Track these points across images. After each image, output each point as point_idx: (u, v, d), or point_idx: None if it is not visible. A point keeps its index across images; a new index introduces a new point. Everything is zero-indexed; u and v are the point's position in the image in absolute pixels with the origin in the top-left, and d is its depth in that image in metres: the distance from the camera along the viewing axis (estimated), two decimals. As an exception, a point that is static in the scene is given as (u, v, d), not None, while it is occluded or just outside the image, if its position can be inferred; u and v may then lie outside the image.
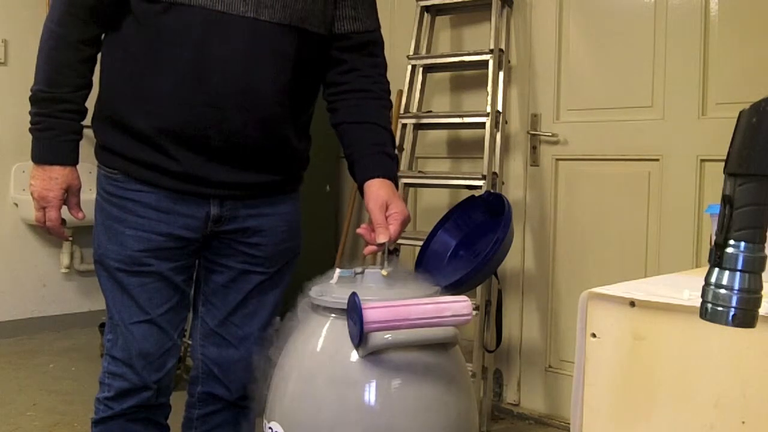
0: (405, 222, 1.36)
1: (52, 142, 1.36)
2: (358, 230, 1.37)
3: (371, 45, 1.49)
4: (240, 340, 1.50)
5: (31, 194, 1.39)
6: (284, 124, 1.40)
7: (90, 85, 1.39)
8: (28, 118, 1.37)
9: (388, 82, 1.53)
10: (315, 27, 1.39)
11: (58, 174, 1.36)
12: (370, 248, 1.34)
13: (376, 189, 1.37)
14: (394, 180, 1.42)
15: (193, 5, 1.29)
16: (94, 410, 1.45)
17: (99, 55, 1.41)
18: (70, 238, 1.48)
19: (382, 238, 1.31)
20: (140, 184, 1.37)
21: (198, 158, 1.35)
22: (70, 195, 1.39)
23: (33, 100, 1.36)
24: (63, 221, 1.40)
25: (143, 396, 1.42)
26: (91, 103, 1.41)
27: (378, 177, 1.38)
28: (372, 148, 1.42)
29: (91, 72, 1.39)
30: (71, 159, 1.38)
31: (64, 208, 1.40)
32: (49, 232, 1.41)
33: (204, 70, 1.31)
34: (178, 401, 1.55)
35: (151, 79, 1.33)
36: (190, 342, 1.64)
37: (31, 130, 1.37)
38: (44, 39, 1.35)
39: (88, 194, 1.42)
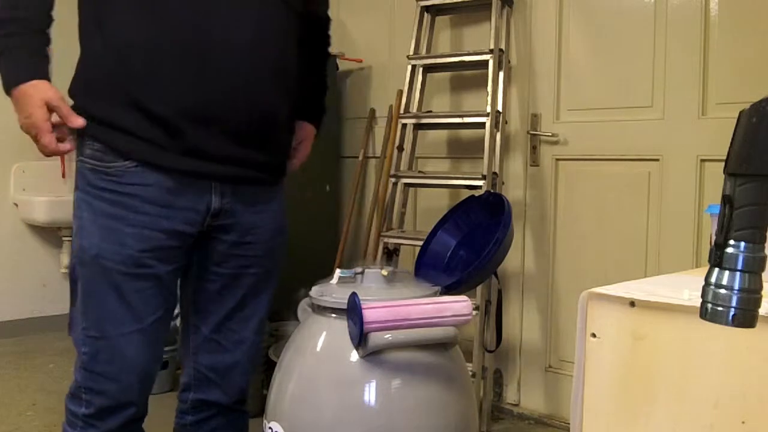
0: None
1: (17, 62, 1.27)
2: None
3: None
4: (236, 344, 1.48)
5: (21, 129, 1.29)
6: (284, 103, 1.42)
7: (51, 18, 1.32)
8: None
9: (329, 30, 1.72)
10: (300, 6, 1.44)
11: (30, 91, 1.26)
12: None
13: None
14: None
15: None
16: (68, 422, 1.37)
17: (82, 26, 1.35)
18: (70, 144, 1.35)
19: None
20: (138, 175, 1.30)
21: (206, 133, 1.31)
22: (58, 107, 1.29)
23: None
24: (68, 132, 1.32)
25: (127, 413, 1.35)
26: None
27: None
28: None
29: (52, 7, 1.32)
30: (41, 73, 1.28)
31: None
32: (54, 154, 1.31)
33: (207, 36, 1.29)
34: (172, 404, 1.54)
35: (160, 55, 1.28)
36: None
37: None
38: None
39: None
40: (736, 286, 0.67)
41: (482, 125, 2.56)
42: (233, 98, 1.31)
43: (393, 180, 2.75)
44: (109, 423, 1.34)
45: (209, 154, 1.32)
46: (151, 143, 1.30)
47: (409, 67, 2.80)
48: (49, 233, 3.88)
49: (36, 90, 1.26)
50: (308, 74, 1.58)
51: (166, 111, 1.28)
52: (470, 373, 2.31)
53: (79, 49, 1.35)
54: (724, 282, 0.68)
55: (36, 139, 1.28)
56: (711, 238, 0.98)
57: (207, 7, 1.29)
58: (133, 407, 1.35)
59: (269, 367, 2.54)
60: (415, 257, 1.89)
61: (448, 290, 1.60)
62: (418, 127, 2.83)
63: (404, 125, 2.81)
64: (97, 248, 1.30)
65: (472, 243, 1.82)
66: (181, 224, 1.34)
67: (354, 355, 1.37)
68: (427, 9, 2.82)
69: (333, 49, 3.23)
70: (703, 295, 0.70)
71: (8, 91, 1.28)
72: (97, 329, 1.32)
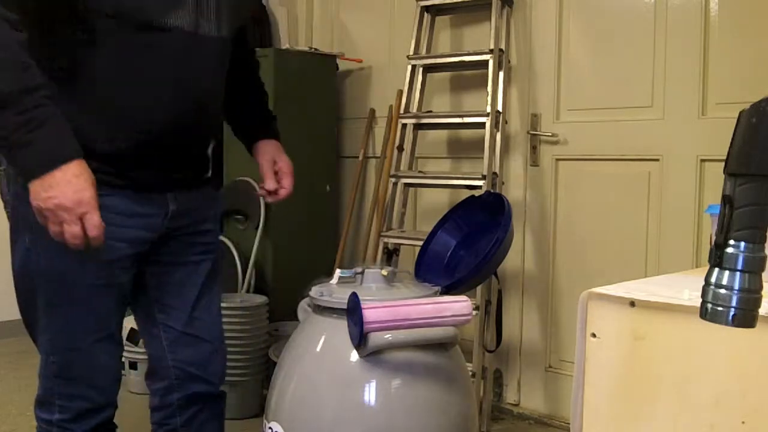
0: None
1: (59, 136, 1.15)
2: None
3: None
4: (208, 333, 1.49)
5: (51, 210, 1.13)
6: (220, 127, 1.52)
7: None
8: None
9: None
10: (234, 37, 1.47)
11: (80, 169, 1.15)
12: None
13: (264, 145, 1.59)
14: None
15: (172, 28, 1.25)
16: (40, 430, 1.36)
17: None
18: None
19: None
20: (98, 188, 1.23)
21: (156, 171, 1.33)
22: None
23: (1, 106, 1.11)
24: None
25: (106, 414, 1.37)
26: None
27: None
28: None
29: None
30: (80, 151, 1.17)
31: None
32: (87, 245, 1.17)
33: (183, 90, 1.31)
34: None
35: (121, 97, 1.26)
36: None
37: (14, 142, 1.11)
38: None
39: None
40: (736, 286, 0.67)
41: (482, 125, 2.56)
42: (185, 134, 1.35)
43: (393, 180, 2.75)
44: (85, 425, 1.34)
45: (162, 184, 1.35)
46: (107, 177, 1.26)
47: (409, 67, 2.80)
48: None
49: (86, 168, 1.17)
50: (250, 93, 1.62)
51: (109, 148, 1.26)
52: (470, 373, 2.31)
53: None
54: (724, 282, 0.68)
55: (80, 221, 1.15)
56: (711, 238, 0.98)
57: (180, 58, 1.29)
58: (110, 408, 1.38)
59: (269, 367, 2.54)
60: (415, 257, 1.90)
61: (448, 290, 1.60)
62: (418, 127, 2.83)
63: (404, 125, 2.81)
64: (62, 265, 1.26)
65: (472, 243, 1.83)
66: (142, 231, 1.34)
67: (354, 355, 1.37)
68: (427, 9, 2.82)
69: (333, 49, 3.27)
70: (703, 295, 0.70)
71: (46, 170, 1.12)
72: (66, 340, 1.31)
